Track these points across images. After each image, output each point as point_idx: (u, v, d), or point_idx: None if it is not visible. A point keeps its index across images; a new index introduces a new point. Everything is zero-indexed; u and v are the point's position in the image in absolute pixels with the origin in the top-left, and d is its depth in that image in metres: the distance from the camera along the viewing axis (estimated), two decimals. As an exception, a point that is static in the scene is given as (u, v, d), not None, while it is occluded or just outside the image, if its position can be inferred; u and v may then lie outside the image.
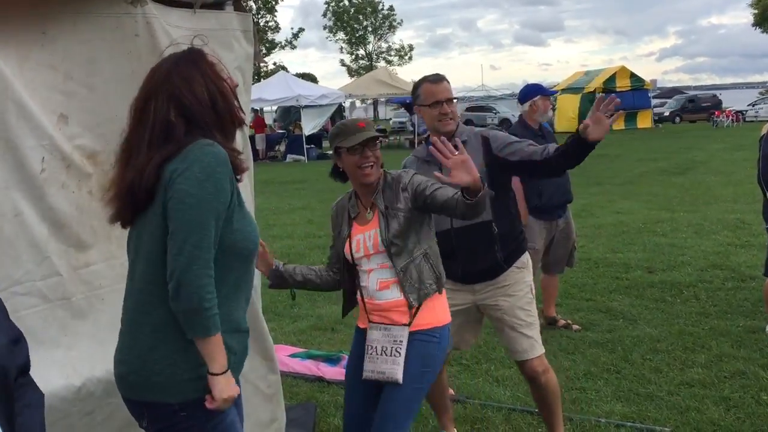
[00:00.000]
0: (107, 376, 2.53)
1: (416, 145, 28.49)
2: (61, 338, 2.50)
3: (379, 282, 2.74)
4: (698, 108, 40.50)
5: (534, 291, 3.46)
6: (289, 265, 2.96)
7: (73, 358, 2.51)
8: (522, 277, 3.38)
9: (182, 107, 1.98)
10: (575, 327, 5.48)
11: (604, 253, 7.94)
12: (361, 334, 2.87)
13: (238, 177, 2.06)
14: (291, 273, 2.92)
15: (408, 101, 29.81)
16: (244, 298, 2.15)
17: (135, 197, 1.98)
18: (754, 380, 4.29)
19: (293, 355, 4.99)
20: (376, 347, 2.71)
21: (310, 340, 5.55)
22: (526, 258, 3.44)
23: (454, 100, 3.32)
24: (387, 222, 2.70)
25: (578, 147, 3.02)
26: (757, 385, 4.22)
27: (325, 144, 28.99)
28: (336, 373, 4.69)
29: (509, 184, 3.41)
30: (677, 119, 39.92)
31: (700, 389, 4.21)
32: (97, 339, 2.57)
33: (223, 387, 1.98)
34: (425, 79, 3.34)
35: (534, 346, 3.36)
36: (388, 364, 2.68)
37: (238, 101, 2.12)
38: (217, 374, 1.97)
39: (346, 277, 2.89)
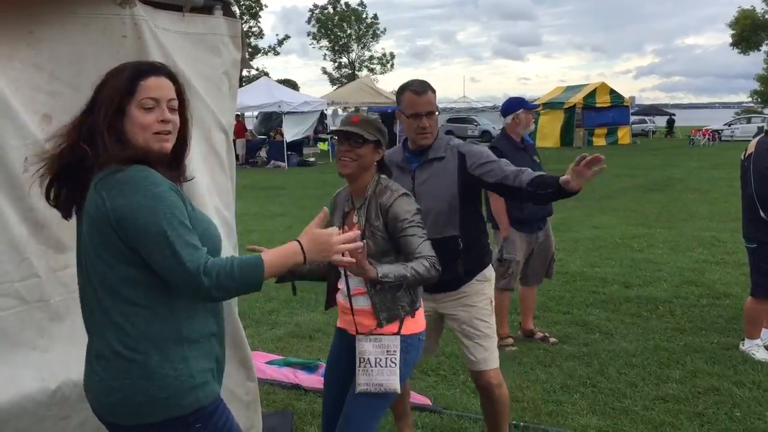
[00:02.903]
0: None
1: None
2: (38, 341, 2.47)
3: (354, 288, 2.76)
4: None
5: (493, 304, 3.45)
6: None
7: (49, 360, 2.48)
8: (481, 289, 3.37)
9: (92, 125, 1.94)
10: (552, 340, 5.51)
11: (581, 267, 8.00)
12: (340, 334, 2.91)
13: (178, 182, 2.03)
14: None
15: (389, 110, 29.90)
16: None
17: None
18: (728, 396, 4.34)
19: (270, 362, 4.96)
20: (369, 359, 2.68)
21: (287, 347, 5.52)
22: (489, 272, 3.44)
23: (435, 113, 3.26)
24: (365, 239, 2.66)
25: (554, 194, 3.03)
26: (730, 401, 4.27)
27: (307, 151, 29.00)
28: (313, 380, 4.66)
29: (479, 199, 3.42)
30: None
31: (674, 404, 4.25)
32: (74, 342, 2.53)
33: (313, 248, 1.98)
34: (409, 87, 3.26)
35: (490, 358, 3.35)
36: (384, 375, 2.67)
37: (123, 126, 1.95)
38: (303, 257, 1.97)
39: (332, 271, 2.88)
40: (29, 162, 2.37)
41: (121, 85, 1.94)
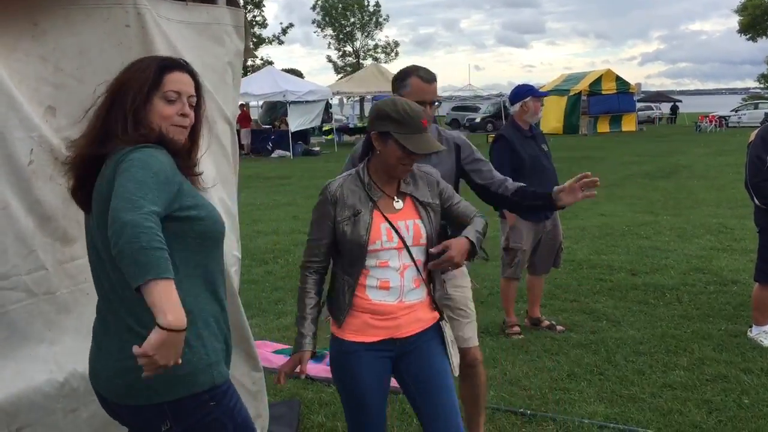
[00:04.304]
0: (92, 371, 2.51)
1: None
2: (45, 333, 2.48)
3: (414, 279, 2.57)
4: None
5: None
6: (307, 332, 2.88)
7: (57, 353, 2.49)
8: (467, 271, 3.44)
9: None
10: (559, 328, 5.50)
11: (588, 255, 7.99)
12: (368, 350, 2.61)
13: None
14: (313, 331, 2.86)
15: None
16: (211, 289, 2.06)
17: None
18: (736, 384, 4.33)
19: (277, 351, 4.95)
20: (452, 341, 2.76)
21: (294, 337, 5.51)
22: None
23: (435, 103, 3.26)
24: (428, 215, 2.60)
25: (541, 205, 3.17)
26: (738, 388, 4.26)
27: (312, 140, 28.91)
28: (320, 370, 4.67)
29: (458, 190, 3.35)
30: (489, 126, 35.58)
31: (682, 392, 4.25)
32: (81, 334, 2.54)
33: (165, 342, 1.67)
34: (416, 72, 3.16)
35: (475, 336, 3.46)
36: (455, 351, 2.78)
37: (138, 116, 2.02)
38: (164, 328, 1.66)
39: (351, 270, 2.57)
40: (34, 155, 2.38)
41: (149, 77, 2.03)
